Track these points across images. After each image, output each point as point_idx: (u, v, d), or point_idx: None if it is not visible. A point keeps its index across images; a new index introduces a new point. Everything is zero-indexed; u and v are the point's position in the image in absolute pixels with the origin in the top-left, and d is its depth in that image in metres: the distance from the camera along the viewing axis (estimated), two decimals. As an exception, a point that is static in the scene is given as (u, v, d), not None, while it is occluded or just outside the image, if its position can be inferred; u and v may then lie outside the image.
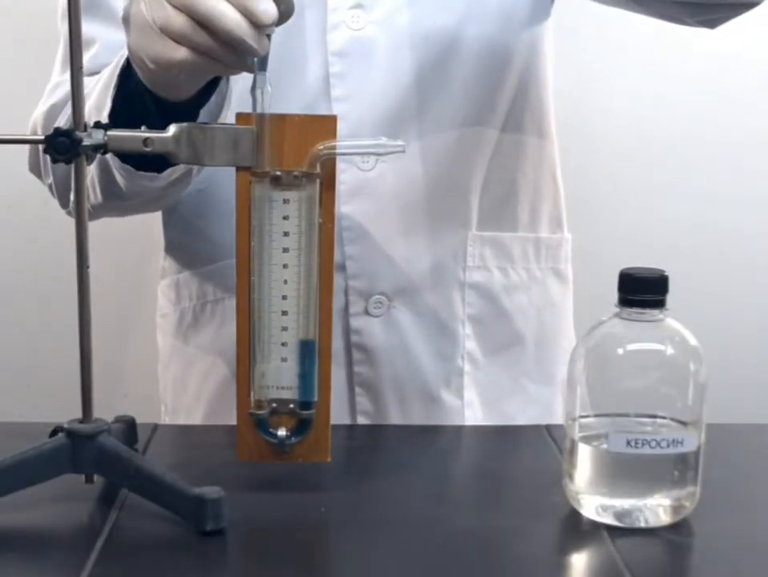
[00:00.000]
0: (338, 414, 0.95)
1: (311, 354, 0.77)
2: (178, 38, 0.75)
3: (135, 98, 0.85)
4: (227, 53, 0.75)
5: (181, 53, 0.76)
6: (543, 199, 1.10)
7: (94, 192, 0.96)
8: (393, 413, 1.03)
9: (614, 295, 0.77)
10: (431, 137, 1.01)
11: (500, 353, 1.07)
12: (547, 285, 1.11)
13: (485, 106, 1.03)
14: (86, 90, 0.76)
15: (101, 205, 0.97)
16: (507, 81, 1.04)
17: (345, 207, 0.99)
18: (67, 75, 0.78)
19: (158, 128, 0.75)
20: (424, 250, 1.02)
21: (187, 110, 0.84)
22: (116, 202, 0.97)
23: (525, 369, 1.08)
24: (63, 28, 1.04)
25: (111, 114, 0.85)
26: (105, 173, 0.93)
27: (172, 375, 1.14)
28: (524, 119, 1.07)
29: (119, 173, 0.91)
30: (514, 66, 1.05)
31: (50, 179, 1.01)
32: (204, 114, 0.85)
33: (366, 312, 1.02)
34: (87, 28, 0.89)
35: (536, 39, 1.07)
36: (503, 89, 1.04)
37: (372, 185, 1.00)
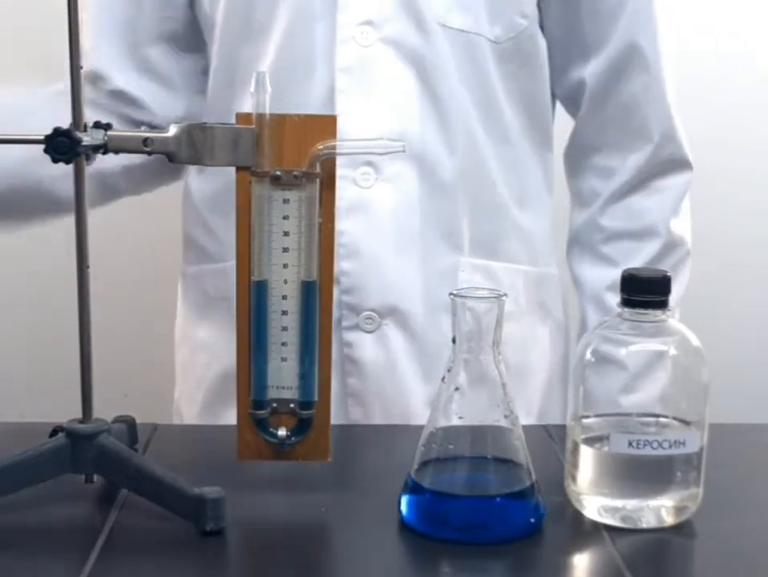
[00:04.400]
0: (333, 423, 0.96)
1: (311, 354, 0.77)
2: None
3: None
4: None
5: None
6: (535, 232, 1.12)
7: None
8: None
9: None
10: (432, 159, 1.02)
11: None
12: (533, 320, 1.12)
13: (487, 132, 1.04)
14: None
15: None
16: (509, 107, 1.05)
17: (342, 223, 0.99)
18: None
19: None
20: (416, 271, 1.03)
21: None
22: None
23: None
24: None
25: None
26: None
27: (180, 361, 1.17)
28: (525, 147, 1.09)
29: None
30: (519, 91, 1.06)
31: None
32: None
33: (358, 327, 1.03)
34: None
35: (542, 68, 1.09)
36: (506, 115, 1.05)
37: (370, 203, 1.01)
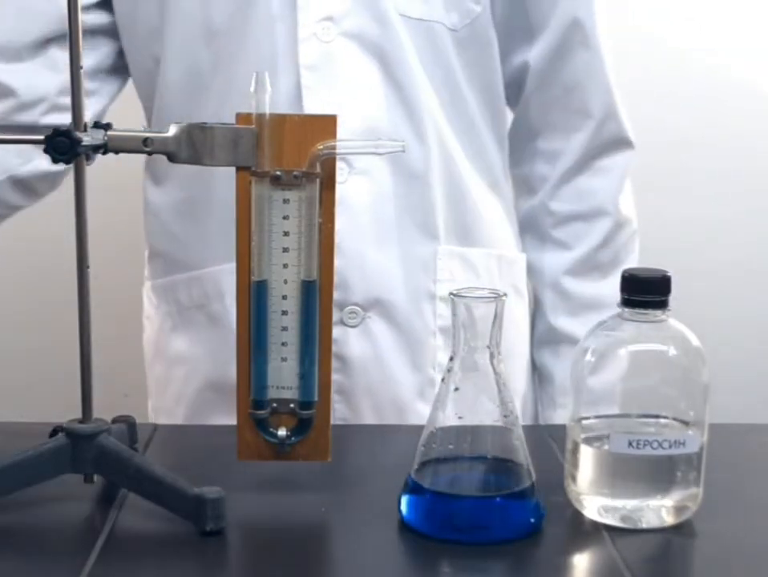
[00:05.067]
0: None
1: (311, 354, 0.77)
2: None
3: None
4: None
5: None
6: (502, 216, 1.13)
7: None
8: (368, 421, 1.04)
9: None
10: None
11: None
12: (509, 302, 1.11)
13: (452, 121, 1.05)
14: None
15: None
16: (472, 95, 1.07)
17: None
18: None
19: None
20: (396, 263, 1.04)
21: None
22: None
23: None
24: None
25: None
26: None
27: (155, 376, 1.15)
28: (488, 133, 1.10)
29: None
30: (479, 79, 1.07)
31: None
32: None
33: (342, 323, 1.03)
34: None
35: (497, 56, 1.10)
36: (469, 103, 1.07)
37: (345, 197, 1.01)
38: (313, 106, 0.99)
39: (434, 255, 1.06)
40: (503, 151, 1.13)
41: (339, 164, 1.00)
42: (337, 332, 1.02)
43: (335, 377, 1.03)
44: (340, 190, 1.00)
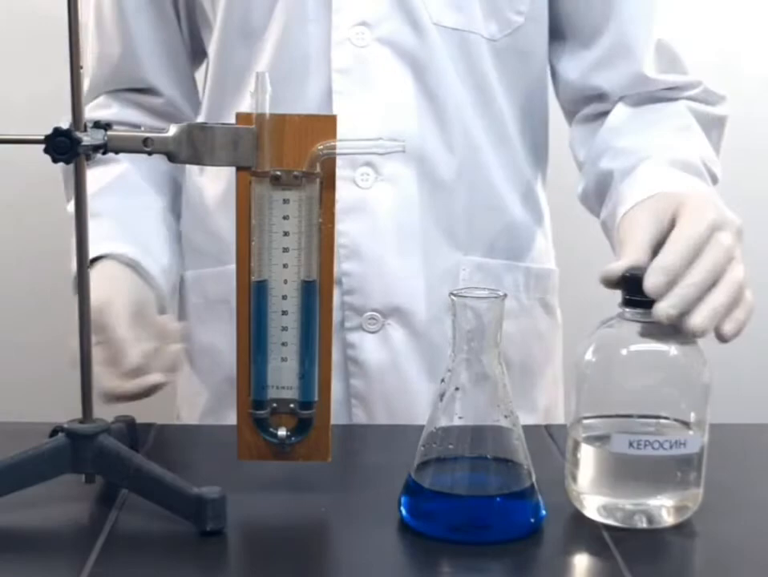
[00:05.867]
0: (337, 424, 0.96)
1: (311, 354, 0.77)
2: None
3: None
4: None
5: None
6: (534, 229, 1.12)
7: None
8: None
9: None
10: (431, 158, 1.02)
11: None
12: (535, 316, 1.12)
13: (485, 130, 1.04)
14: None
15: None
16: (507, 104, 1.06)
17: (342, 224, 1.00)
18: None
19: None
20: (418, 271, 1.04)
21: None
22: None
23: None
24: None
25: None
26: None
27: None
28: (523, 144, 1.09)
29: None
30: (517, 89, 1.06)
31: None
32: None
33: (361, 328, 1.03)
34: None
35: (540, 67, 1.09)
36: (504, 112, 1.06)
37: (369, 203, 1.01)
38: (342, 110, 0.98)
39: (457, 265, 1.05)
40: (538, 163, 1.12)
41: (365, 170, 1.01)
42: (356, 337, 1.03)
43: (352, 381, 1.04)
44: (364, 195, 1.01)
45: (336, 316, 1.01)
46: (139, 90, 1.12)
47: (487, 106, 1.05)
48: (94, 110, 1.09)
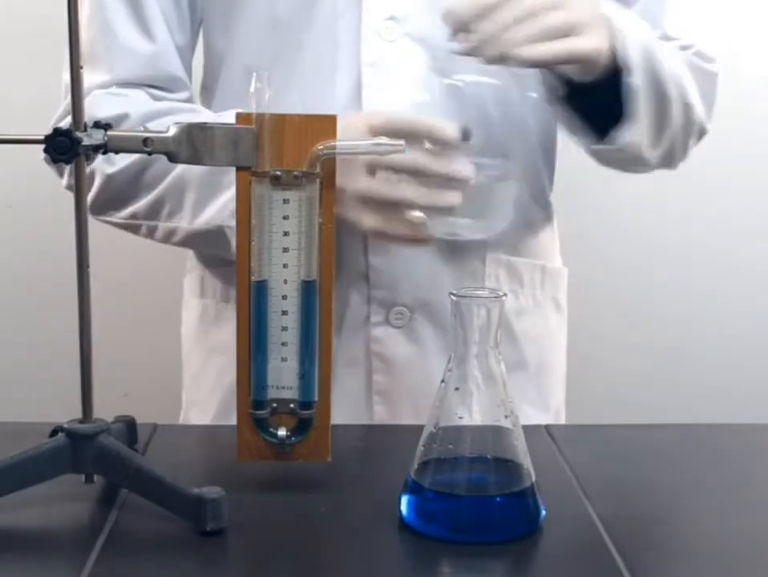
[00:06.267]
0: (356, 422, 0.98)
1: (311, 354, 0.77)
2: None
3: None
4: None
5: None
6: (548, 228, 1.14)
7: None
8: (407, 422, 1.03)
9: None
10: None
11: (508, 374, 1.09)
12: (547, 314, 1.13)
13: (507, 128, 1.04)
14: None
15: None
16: (528, 105, 1.06)
17: None
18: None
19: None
20: (445, 266, 1.04)
21: None
22: None
23: (527, 393, 1.09)
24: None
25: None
26: None
27: (192, 367, 1.15)
28: (539, 143, 1.10)
29: None
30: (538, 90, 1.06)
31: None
32: None
33: (387, 323, 1.03)
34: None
35: None
36: (526, 112, 1.06)
37: None
38: (372, 104, 0.99)
39: (482, 261, 1.06)
40: (549, 163, 1.13)
41: None
42: (381, 332, 1.03)
43: (375, 377, 1.03)
44: None
45: (361, 310, 1.02)
46: (156, 87, 1.07)
47: (508, 103, 1.05)
48: (108, 98, 1.03)
